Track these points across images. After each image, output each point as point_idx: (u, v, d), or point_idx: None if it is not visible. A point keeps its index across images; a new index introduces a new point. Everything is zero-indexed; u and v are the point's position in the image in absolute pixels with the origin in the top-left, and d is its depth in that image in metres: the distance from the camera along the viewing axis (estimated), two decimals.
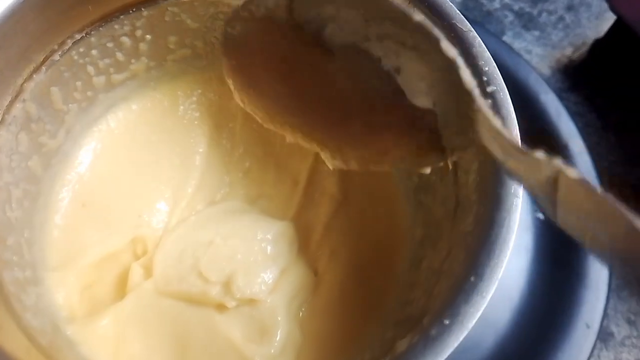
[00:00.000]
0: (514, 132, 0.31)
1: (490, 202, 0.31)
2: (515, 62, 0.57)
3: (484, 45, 0.33)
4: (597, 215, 0.21)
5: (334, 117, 0.33)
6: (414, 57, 0.29)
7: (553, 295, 0.48)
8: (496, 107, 0.32)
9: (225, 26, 0.33)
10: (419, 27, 0.27)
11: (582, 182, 0.21)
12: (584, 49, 0.62)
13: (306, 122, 0.35)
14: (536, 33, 0.63)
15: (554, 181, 0.22)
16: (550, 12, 0.64)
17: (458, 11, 0.34)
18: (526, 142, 0.53)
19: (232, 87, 0.36)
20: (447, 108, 0.29)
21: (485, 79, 0.32)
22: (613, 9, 0.57)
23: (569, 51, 0.62)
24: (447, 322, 0.28)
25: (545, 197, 0.23)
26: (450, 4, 0.34)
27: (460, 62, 0.26)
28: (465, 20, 0.34)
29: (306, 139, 0.36)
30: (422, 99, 0.29)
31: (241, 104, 0.36)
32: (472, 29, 0.33)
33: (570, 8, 0.64)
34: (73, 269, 0.40)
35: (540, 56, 0.62)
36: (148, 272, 0.41)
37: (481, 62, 0.33)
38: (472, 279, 0.29)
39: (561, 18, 0.64)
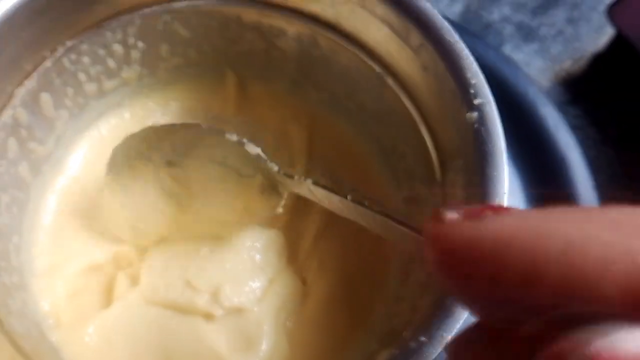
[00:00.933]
0: None
1: None
2: (514, 75, 0.57)
3: (472, 58, 0.33)
4: None
5: None
6: None
7: None
8: (482, 120, 0.31)
9: None
10: None
11: None
12: (583, 62, 0.62)
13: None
14: (535, 46, 0.63)
15: None
16: (549, 25, 0.63)
17: (447, 23, 0.34)
18: (524, 154, 0.53)
19: None
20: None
21: (472, 91, 0.32)
22: (613, 23, 0.57)
23: (567, 64, 0.62)
24: (427, 334, 0.28)
25: None
26: (439, 16, 0.34)
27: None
28: (453, 32, 0.33)
29: None
30: None
31: None
32: (460, 41, 0.33)
33: (570, 21, 0.64)
34: (60, 276, 0.40)
35: (539, 69, 0.62)
36: (135, 280, 0.41)
37: (469, 75, 0.32)
38: None
39: (561, 31, 0.63)
